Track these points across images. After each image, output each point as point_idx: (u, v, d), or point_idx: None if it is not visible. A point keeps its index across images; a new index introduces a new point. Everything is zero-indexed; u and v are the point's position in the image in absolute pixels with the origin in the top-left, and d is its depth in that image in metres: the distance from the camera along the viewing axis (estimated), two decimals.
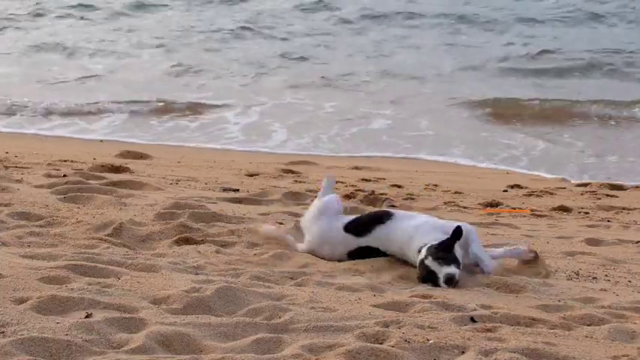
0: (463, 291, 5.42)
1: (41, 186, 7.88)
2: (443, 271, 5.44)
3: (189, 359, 3.99)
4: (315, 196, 8.58)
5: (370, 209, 7.90)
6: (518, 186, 10.32)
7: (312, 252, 6.11)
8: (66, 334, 4.11)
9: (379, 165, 11.39)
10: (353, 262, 6.07)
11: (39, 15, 25.69)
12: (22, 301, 4.54)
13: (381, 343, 4.28)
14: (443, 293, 5.34)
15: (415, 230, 5.80)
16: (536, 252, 5.84)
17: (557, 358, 4.25)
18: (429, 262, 5.51)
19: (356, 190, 8.98)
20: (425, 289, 5.48)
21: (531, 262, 5.86)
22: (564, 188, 10.39)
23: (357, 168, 11.27)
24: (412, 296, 5.22)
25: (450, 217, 7.15)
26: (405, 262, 6.01)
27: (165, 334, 4.19)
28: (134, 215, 6.79)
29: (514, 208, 8.87)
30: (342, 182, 9.79)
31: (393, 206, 8.32)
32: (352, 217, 6.24)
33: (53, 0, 26.66)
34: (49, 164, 9.72)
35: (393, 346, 4.22)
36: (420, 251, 5.60)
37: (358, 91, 17.68)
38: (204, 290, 4.86)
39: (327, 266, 5.94)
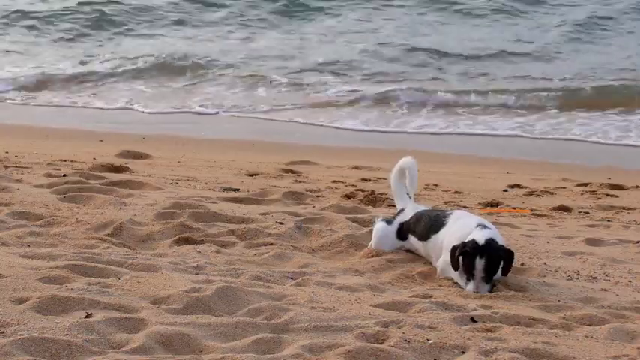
0: (463, 291, 5.42)
1: (41, 186, 7.88)
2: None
3: (189, 359, 4.00)
4: (316, 196, 8.62)
5: (370, 209, 7.91)
6: (518, 186, 10.32)
7: None
8: (66, 334, 4.11)
9: (379, 165, 11.38)
10: (352, 262, 6.08)
11: None
12: (22, 301, 4.54)
13: (381, 343, 4.29)
14: (443, 293, 5.35)
15: None
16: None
17: (557, 358, 4.25)
18: None
19: (356, 190, 8.98)
20: (425, 289, 5.49)
21: None
22: (564, 188, 10.38)
23: (357, 168, 11.27)
24: (412, 296, 5.23)
25: None
26: (404, 262, 6.04)
27: (165, 334, 4.19)
28: (134, 215, 6.78)
29: (514, 208, 8.87)
30: (342, 182, 9.79)
31: (394, 206, 8.31)
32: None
33: None
34: (49, 164, 9.71)
35: (393, 346, 4.22)
36: None
37: None
38: (204, 290, 4.86)
39: (327, 266, 5.95)
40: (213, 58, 19.50)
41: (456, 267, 5.50)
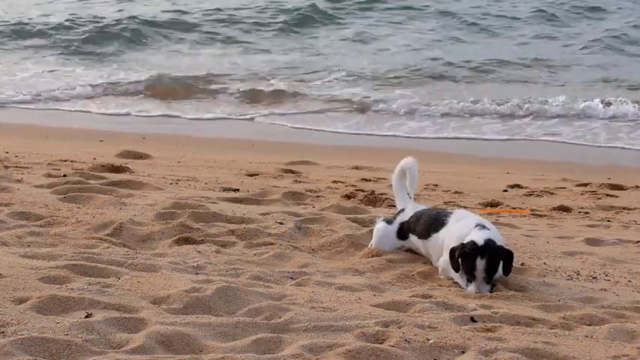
0: (463, 291, 5.43)
1: (41, 186, 7.88)
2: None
3: (189, 359, 4.00)
4: (316, 196, 8.62)
5: (370, 209, 7.91)
6: (518, 186, 10.32)
7: None
8: (66, 334, 4.11)
9: (379, 165, 11.39)
10: (352, 262, 6.08)
11: None
12: (22, 301, 4.55)
13: (381, 343, 4.29)
14: (443, 293, 5.35)
15: None
16: None
17: (557, 358, 4.25)
18: None
19: (356, 190, 8.98)
20: (425, 289, 5.49)
21: None
22: (564, 188, 10.38)
23: (357, 168, 11.27)
24: (412, 296, 5.23)
25: None
26: (404, 262, 6.05)
27: (165, 334, 4.20)
28: (134, 215, 6.78)
29: (514, 208, 8.87)
30: (342, 182, 9.79)
31: (394, 206, 8.32)
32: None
33: None
34: (49, 164, 9.71)
35: (393, 346, 4.22)
36: None
37: None
38: (204, 290, 4.86)
39: (327, 266, 5.95)
40: (219, 70, 19.46)
41: (456, 269, 5.50)
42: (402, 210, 6.40)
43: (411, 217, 6.22)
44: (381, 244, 6.28)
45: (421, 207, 6.38)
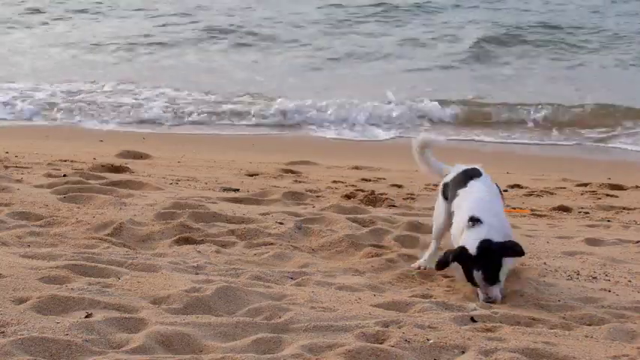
0: (463, 291, 5.42)
1: (41, 186, 7.88)
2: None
3: (189, 359, 4.00)
4: (316, 196, 8.61)
5: (370, 209, 7.91)
6: (518, 186, 10.31)
7: None
8: (66, 334, 4.12)
9: (379, 165, 11.39)
10: (352, 262, 6.08)
11: None
12: (22, 301, 4.55)
13: (381, 343, 4.29)
14: (443, 293, 5.35)
15: None
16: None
17: (557, 358, 4.25)
18: None
19: (356, 190, 8.98)
20: (425, 289, 5.49)
21: None
22: (564, 188, 10.37)
23: (357, 168, 11.26)
24: (412, 296, 5.23)
25: None
26: (404, 262, 6.04)
27: (165, 334, 4.20)
28: (134, 215, 6.79)
29: (514, 208, 8.87)
30: (342, 182, 9.79)
31: (394, 206, 8.32)
32: None
33: None
34: (49, 164, 9.71)
35: (393, 346, 4.23)
36: None
37: None
38: (204, 290, 4.86)
39: (327, 266, 5.95)
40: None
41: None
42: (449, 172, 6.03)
43: (452, 179, 5.92)
44: (436, 216, 6.01)
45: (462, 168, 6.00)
